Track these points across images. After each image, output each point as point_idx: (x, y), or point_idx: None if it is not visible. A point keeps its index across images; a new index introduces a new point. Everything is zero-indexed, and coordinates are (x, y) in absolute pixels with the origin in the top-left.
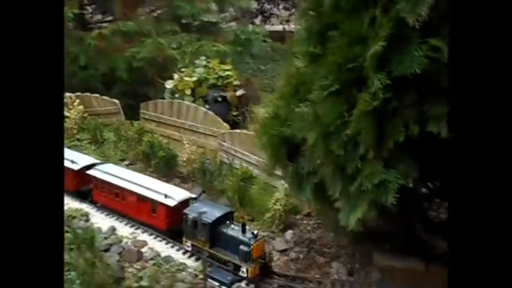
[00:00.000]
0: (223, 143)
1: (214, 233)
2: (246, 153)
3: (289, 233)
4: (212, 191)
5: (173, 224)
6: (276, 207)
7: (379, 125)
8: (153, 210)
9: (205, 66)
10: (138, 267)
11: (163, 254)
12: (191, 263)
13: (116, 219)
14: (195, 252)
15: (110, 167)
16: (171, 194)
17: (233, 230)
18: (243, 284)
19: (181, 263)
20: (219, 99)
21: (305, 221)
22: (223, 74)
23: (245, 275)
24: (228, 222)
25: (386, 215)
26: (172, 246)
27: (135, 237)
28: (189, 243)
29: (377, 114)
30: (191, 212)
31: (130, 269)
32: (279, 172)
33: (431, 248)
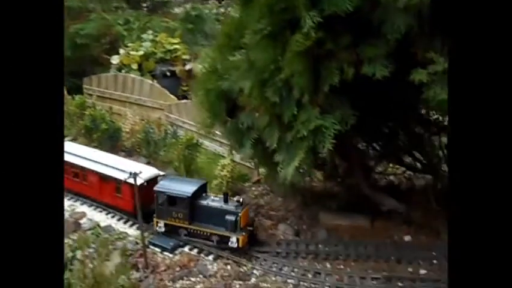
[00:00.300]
0: (170, 115)
1: (193, 207)
2: (193, 123)
3: (235, 199)
4: (157, 162)
5: (141, 204)
6: (222, 173)
7: (314, 68)
8: (117, 191)
9: (152, 41)
10: (75, 237)
11: (102, 224)
12: (132, 232)
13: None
14: (169, 232)
15: (67, 145)
16: (137, 172)
17: (215, 201)
18: (186, 249)
19: (122, 232)
20: (168, 73)
21: (253, 188)
22: (171, 48)
23: (235, 245)
24: (205, 194)
25: (331, 174)
26: (112, 217)
27: (74, 209)
28: (161, 224)
29: (310, 56)
30: (164, 189)
31: (66, 240)
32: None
33: (376, 205)
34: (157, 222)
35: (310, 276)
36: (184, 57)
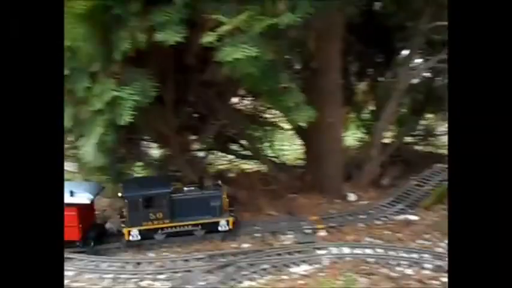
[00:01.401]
0: None
1: (172, 203)
2: None
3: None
4: None
5: (89, 228)
6: None
7: (103, 36)
8: None
9: None
10: None
11: None
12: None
13: None
14: (143, 239)
15: None
16: (74, 189)
17: (192, 192)
18: None
19: None
20: None
21: None
22: None
23: (226, 228)
24: (172, 188)
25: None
26: None
27: None
28: (135, 232)
29: (97, 22)
30: (137, 193)
31: None
32: None
33: None
34: (129, 231)
35: (130, 267)
36: None
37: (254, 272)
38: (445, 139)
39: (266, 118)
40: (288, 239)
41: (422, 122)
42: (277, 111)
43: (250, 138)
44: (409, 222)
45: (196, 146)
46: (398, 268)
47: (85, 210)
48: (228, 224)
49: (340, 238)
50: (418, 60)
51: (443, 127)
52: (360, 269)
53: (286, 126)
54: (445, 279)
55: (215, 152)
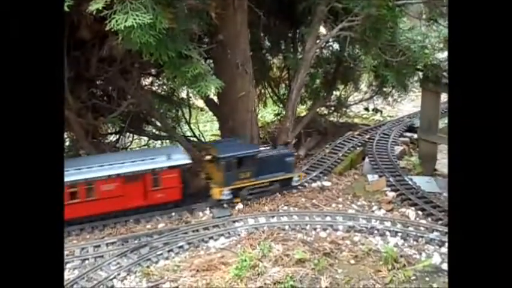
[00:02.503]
0: None
1: (259, 163)
2: None
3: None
4: None
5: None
6: None
7: None
8: (155, 184)
9: None
10: None
11: None
12: None
13: None
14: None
15: None
16: (169, 152)
17: (270, 151)
18: None
19: None
20: None
21: None
22: None
23: (298, 183)
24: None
25: None
26: None
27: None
28: (226, 191)
29: None
30: (231, 153)
31: None
32: None
33: None
34: (221, 191)
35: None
36: None
37: (170, 251)
38: (356, 108)
39: (181, 97)
40: (205, 214)
41: (335, 93)
42: (186, 87)
43: (164, 118)
44: (323, 188)
45: (105, 128)
46: (312, 232)
47: (182, 172)
48: (299, 179)
49: (256, 209)
50: (323, 31)
51: (355, 97)
52: (275, 237)
53: (203, 104)
54: (357, 238)
55: (127, 134)
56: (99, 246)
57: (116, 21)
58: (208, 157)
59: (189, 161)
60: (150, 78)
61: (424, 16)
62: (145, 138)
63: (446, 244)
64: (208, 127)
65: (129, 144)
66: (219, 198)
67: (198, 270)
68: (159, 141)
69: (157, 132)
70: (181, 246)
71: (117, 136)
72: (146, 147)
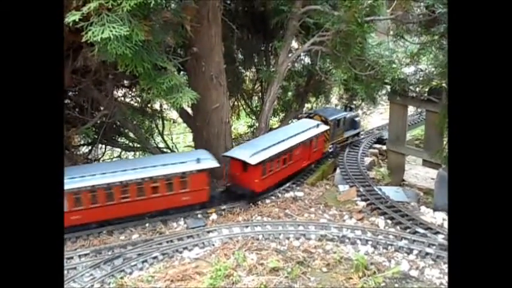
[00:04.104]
0: None
1: (345, 122)
2: None
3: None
4: None
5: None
6: None
7: None
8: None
9: None
10: None
11: None
12: None
13: None
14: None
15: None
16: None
17: (348, 114)
18: None
19: None
20: None
21: None
22: None
23: (362, 136)
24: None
25: None
26: None
27: None
28: (330, 145)
29: None
30: (335, 117)
31: None
32: None
33: None
34: (327, 145)
35: None
36: None
37: (145, 262)
38: None
39: (154, 109)
40: (179, 225)
41: (307, 105)
42: (161, 99)
43: (138, 130)
44: (296, 198)
45: (77, 139)
46: (286, 241)
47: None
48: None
49: (231, 219)
50: (295, 45)
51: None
52: (249, 246)
53: (176, 116)
54: (329, 247)
55: (100, 145)
56: (71, 258)
57: (93, 32)
58: (318, 121)
59: (218, 165)
60: (123, 90)
61: (391, 32)
62: (118, 149)
63: (414, 251)
64: (181, 139)
65: (101, 156)
66: (326, 150)
67: (172, 281)
68: (132, 153)
69: (130, 144)
70: (155, 257)
71: (90, 147)
72: (119, 158)
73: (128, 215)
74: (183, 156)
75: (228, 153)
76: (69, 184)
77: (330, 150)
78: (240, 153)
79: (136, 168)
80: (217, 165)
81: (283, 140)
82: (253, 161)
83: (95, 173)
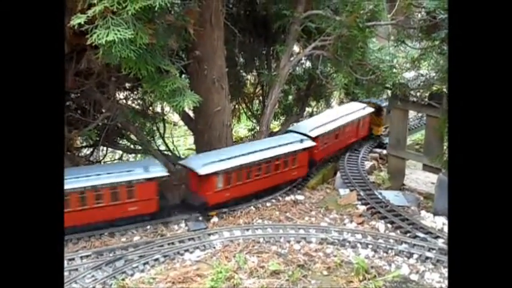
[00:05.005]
0: None
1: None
2: None
3: None
4: None
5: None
6: None
7: None
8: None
9: None
10: None
11: None
12: None
13: None
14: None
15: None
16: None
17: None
18: None
19: None
20: None
21: None
22: None
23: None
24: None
25: None
26: None
27: None
28: (383, 129)
29: None
30: (384, 103)
31: None
32: None
33: None
34: (380, 129)
35: None
36: None
37: (146, 263)
38: None
39: (156, 112)
40: (180, 227)
41: (307, 109)
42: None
43: (140, 132)
44: (296, 202)
45: (79, 141)
46: (286, 244)
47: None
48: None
49: (231, 222)
50: (296, 49)
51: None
52: (250, 249)
53: (178, 119)
54: (329, 250)
55: (102, 147)
56: (73, 259)
57: (98, 35)
58: (371, 110)
59: (166, 174)
60: (125, 92)
61: (392, 37)
62: (120, 151)
63: (414, 255)
64: (181, 141)
65: (102, 158)
66: (379, 133)
67: (173, 283)
68: (133, 155)
69: (132, 146)
70: (156, 259)
71: (92, 149)
72: (120, 160)
73: (69, 226)
74: (130, 166)
75: (182, 162)
76: None
77: (384, 134)
78: (193, 162)
79: (79, 177)
80: (167, 174)
81: (255, 151)
82: (203, 171)
83: None
